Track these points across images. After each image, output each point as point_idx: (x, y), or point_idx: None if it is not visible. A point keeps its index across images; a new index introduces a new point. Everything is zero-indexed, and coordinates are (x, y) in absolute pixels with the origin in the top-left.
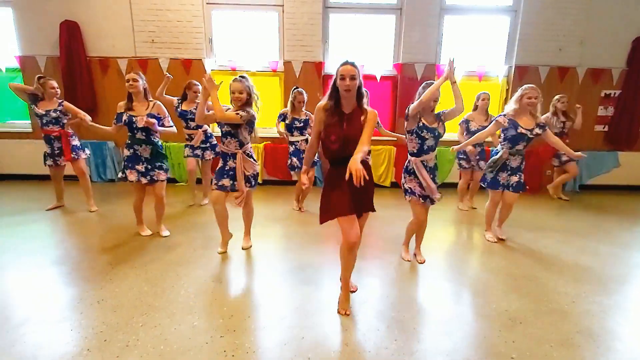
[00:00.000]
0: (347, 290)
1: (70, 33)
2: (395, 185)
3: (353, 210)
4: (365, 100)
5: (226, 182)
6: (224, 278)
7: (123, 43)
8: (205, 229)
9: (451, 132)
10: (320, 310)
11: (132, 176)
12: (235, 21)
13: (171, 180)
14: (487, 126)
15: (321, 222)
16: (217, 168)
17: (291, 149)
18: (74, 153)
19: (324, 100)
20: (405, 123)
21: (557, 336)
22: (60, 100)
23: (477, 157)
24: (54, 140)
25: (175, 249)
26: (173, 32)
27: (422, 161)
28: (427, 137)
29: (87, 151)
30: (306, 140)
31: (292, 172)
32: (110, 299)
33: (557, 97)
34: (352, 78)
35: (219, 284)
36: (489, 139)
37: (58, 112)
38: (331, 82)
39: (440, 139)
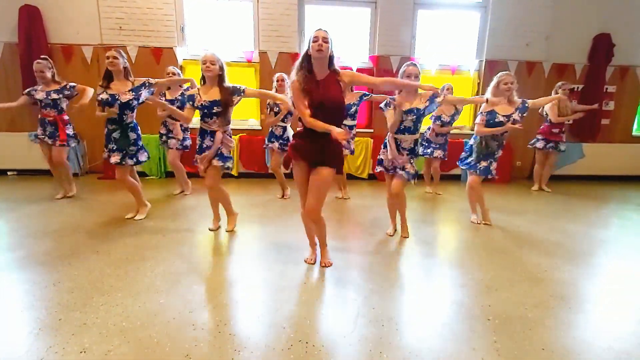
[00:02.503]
0: (313, 247)
1: (31, 18)
2: (372, 177)
3: (306, 158)
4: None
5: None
6: (194, 260)
7: (88, 30)
8: (178, 217)
9: (462, 124)
10: (296, 285)
11: (105, 154)
12: (209, 9)
13: (141, 174)
14: (452, 114)
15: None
16: (197, 148)
17: (270, 129)
18: (69, 140)
19: (294, 75)
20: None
21: (532, 300)
22: (66, 83)
23: (436, 145)
24: (48, 124)
25: (143, 234)
26: (142, 19)
27: (395, 138)
28: (403, 118)
29: (73, 143)
30: (283, 127)
31: (265, 149)
32: (68, 282)
33: (559, 83)
34: (325, 41)
35: (189, 265)
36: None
37: (58, 94)
38: (302, 52)
39: (421, 118)
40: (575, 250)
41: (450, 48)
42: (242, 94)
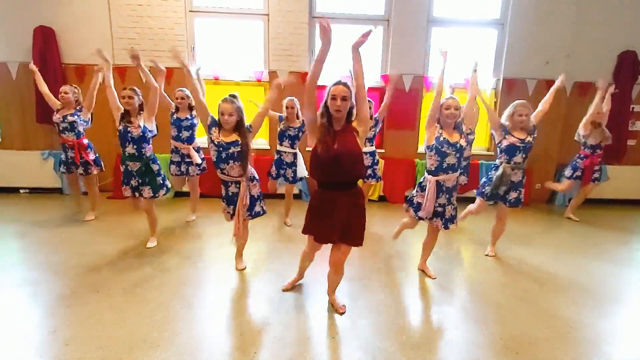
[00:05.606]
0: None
1: (45, 39)
2: (382, 198)
3: (329, 240)
4: (367, 109)
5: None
6: (196, 303)
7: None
8: (183, 249)
9: (479, 144)
10: (299, 342)
11: (126, 192)
12: (219, 29)
13: None
14: (468, 133)
15: (303, 232)
16: (224, 195)
17: (276, 157)
18: (88, 167)
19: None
20: (425, 138)
21: None
22: (79, 107)
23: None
24: (69, 149)
25: (145, 268)
26: (154, 39)
27: (438, 181)
28: (448, 152)
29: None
30: (294, 154)
31: (269, 179)
32: (65, 329)
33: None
34: (344, 99)
35: (190, 310)
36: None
37: (75, 117)
38: (322, 102)
39: (463, 155)
40: (600, 296)
41: (466, 66)
42: (250, 131)
